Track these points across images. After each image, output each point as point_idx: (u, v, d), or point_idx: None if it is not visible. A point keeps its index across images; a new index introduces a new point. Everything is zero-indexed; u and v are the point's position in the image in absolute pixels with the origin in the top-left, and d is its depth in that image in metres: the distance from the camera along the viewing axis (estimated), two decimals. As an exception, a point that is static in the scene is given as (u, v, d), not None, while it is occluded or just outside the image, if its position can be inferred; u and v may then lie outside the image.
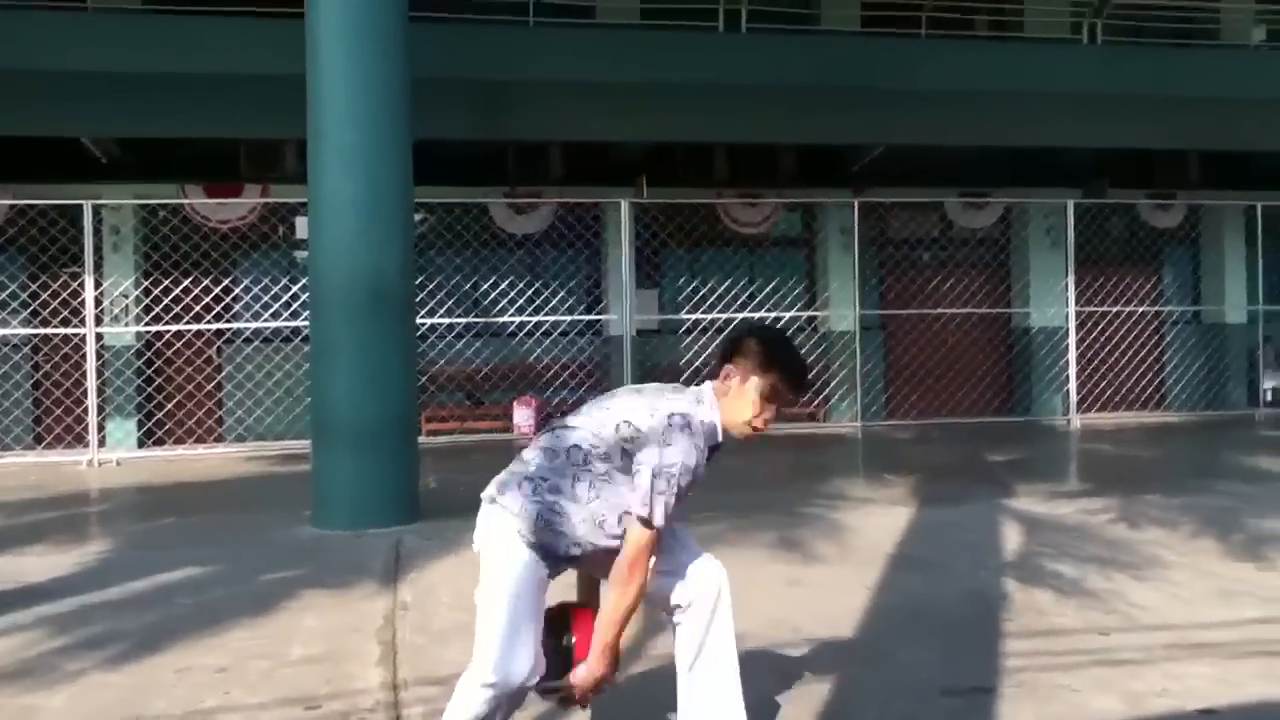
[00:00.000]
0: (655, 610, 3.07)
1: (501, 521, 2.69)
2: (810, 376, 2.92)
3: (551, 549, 2.69)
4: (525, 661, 2.61)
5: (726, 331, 11.69)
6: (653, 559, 2.72)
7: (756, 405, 2.78)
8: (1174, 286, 14.72)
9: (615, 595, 2.66)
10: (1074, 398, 12.46)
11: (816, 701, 3.52)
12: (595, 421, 2.74)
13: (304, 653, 4.11)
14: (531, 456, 2.76)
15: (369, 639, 4.29)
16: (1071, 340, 12.47)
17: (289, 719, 3.41)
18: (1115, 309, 13.14)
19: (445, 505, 7.15)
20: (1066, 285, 12.51)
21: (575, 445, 2.71)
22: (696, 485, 2.74)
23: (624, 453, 2.69)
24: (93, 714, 3.47)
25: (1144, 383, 13.52)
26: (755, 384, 2.77)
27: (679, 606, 2.83)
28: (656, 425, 2.67)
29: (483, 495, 2.76)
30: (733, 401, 2.79)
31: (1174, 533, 6.13)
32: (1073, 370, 12.42)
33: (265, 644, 4.22)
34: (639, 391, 2.84)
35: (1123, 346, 13.28)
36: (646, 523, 2.64)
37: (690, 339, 12.12)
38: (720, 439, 2.82)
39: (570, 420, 2.80)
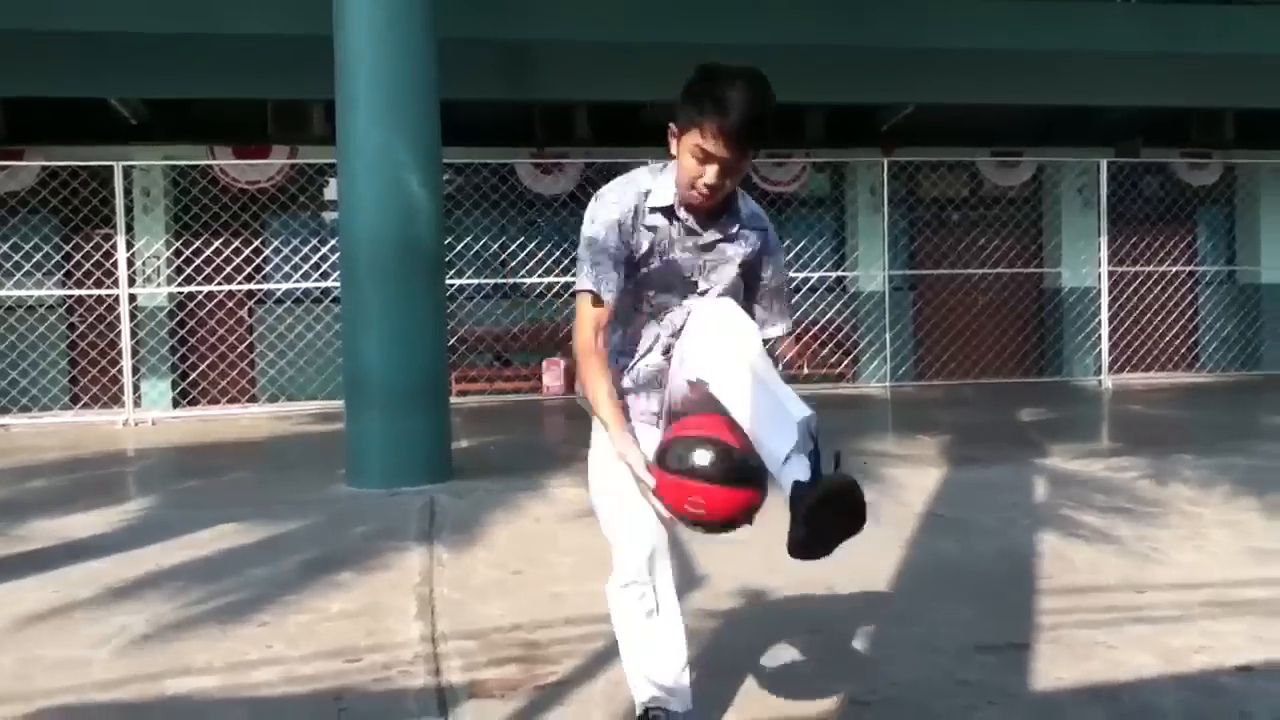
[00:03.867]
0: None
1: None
2: (742, 113, 2.32)
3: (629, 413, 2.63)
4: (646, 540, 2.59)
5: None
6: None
7: (688, 167, 2.43)
8: (1208, 246, 14.55)
9: (580, 377, 2.61)
10: (1106, 358, 12.37)
11: (851, 659, 3.54)
12: None
13: (343, 608, 4.17)
14: None
15: (407, 594, 4.34)
16: (1104, 300, 12.36)
17: (331, 671, 3.46)
18: (1148, 269, 13.00)
19: (477, 464, 7.21)
20: (1099, 245, 12.38)
21: None
22: (661, 265, 2.54)
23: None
24: (139, 666, 3.54)
25: (1177, 343, 13.41)
26: (683, 140, 2.43)
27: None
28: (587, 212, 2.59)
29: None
30: (678, 166, 2.48)
31: (1209, 492, 6.09)
32: (1105, 331, 12.32)
33: (305, 599, 4.28)
34: None
35: (1155, 307, 13.16)
36: (579, 292, 2.54)
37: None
38: (671, 204, 2.52)
39: None
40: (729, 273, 2.60)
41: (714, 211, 2.54)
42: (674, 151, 2.48)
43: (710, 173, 2.40)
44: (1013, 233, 13.63)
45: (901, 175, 12.75)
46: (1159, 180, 13.89)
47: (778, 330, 2.75)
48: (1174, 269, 13.22)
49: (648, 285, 2.58)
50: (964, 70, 11.26)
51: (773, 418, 2.41)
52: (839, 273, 13.07)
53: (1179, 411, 10.43)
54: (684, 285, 2.59)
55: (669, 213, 2.52)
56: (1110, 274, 12.47)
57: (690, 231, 2.55)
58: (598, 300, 2.51)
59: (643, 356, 2.63)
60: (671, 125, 2.47)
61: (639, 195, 2.53)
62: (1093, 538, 5.09)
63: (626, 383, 2.64)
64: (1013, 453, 7.51)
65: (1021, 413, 10.01)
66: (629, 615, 2.63)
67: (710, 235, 2.57)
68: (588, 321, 2.52)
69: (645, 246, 2.53)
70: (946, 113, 12.31)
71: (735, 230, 2.59)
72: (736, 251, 2.60)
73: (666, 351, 2.61)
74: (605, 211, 2.52)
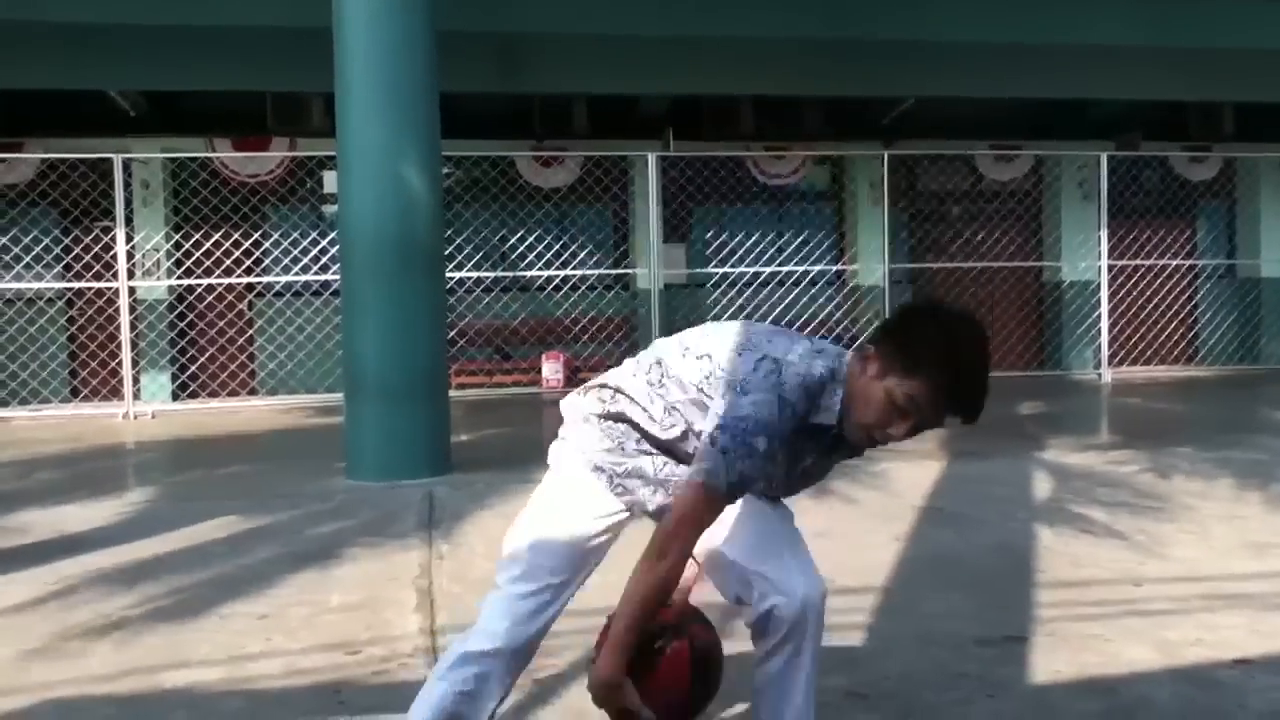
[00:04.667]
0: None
1: None
2: (985, 399, 2.07)
3: None
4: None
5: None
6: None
7: (882, 412, 2.04)
8: (1208, 240, 14.54)
9: (640, 571, 2.09)
10: (1105, 352, 12.37)
11: (847, 652, 3.55)
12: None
13: (342, 600, 4.17)
14: None
15: (406, 587, 4.34)
16: (1104, 294, 12.36)
17: (331, 663, 3.47)
18: (1148, 263, 13.00)
19: (476, 458, 7.21)
20: (1099, 239, 12.37)
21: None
22: (783, 473, 2.23)
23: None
24: (138, 659, 3.54)
25: (1177, 337, 13.40)
26: (892, 384, 2.03)
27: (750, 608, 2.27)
28: (739, 366, 2.10)
29: None
30: (860, 392, 2.07)
31: (1207, 485, 6.10)
32: (1104, 324, 12.32)
33: (304, 592, 4.29)
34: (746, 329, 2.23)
35: (1155, 300, 13.15)
36: (704, 486, 2.05)
37: (719, 293, 12.10)
38: (834, 426, 2.13)
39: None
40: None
41: None
42: (860, 373, 2.08)
43: (905, 432, 2.06)
44: (1012, 226, 13.62)
45: (901, 169, 12.74)
46: (1158, 174, 13.88)
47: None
48: (1174, 263, 13.21)
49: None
50: (964, 64, 11.24)
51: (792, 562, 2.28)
52: (838, 267, 13.06)
53: (1178, 405, 10.43)
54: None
55: (824, 432, 2.15)
56: (1110, 268, 12.46)
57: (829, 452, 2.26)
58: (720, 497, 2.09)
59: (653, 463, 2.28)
60: (870, 347, 2.08)
61: (815, 404, 2.10)
62: (1090, 531, 5.10)
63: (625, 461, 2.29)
64: (1011, 446, 7.52)
65: (1020, 406, 10.02)
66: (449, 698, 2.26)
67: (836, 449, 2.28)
68: (690, 519, 2.08)
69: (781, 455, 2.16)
70: (946, 106, 12.29)
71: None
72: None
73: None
74: (788, 397, 2.04)
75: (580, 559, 2.27)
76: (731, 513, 2.23)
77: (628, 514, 2.30)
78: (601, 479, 2.27)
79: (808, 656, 2.23)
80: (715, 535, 2.22)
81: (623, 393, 2.28)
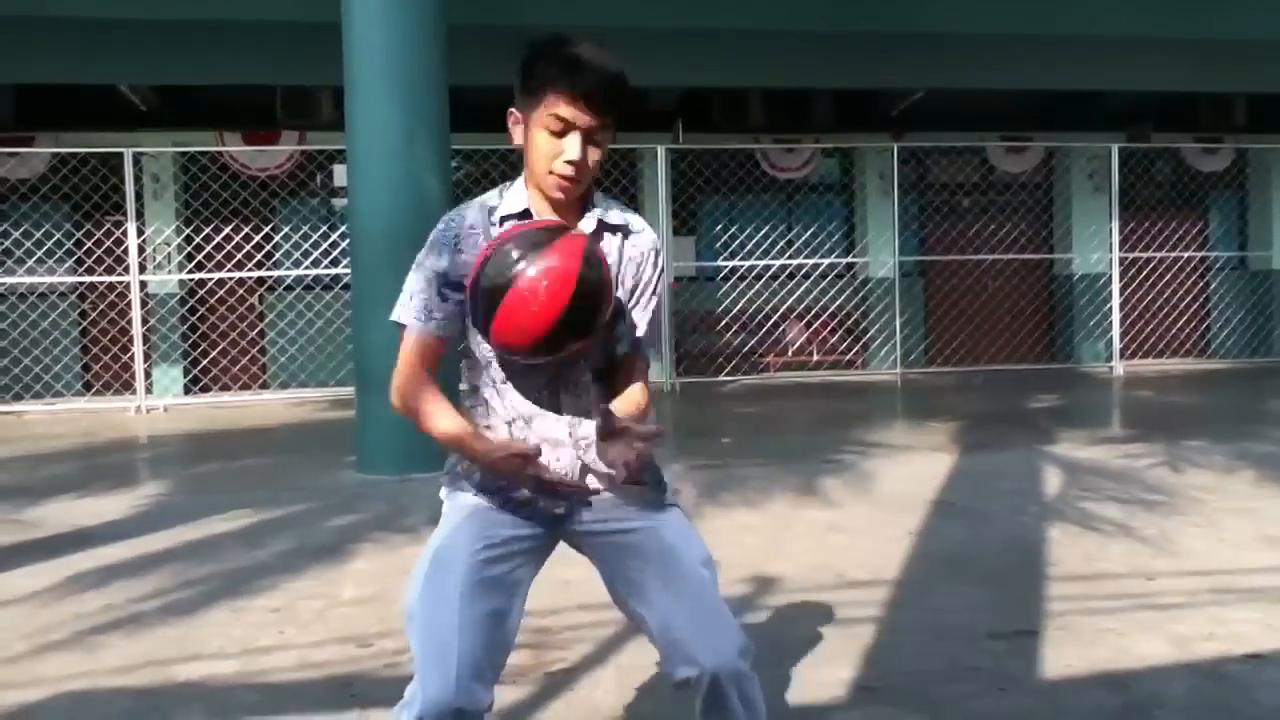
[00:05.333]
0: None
1: None
2: (599, 68, 1.97)
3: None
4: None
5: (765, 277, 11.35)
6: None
7: (542, 138, 2.00)
8: (1220, 232, 14.48)
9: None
10: (1117, 344, 12.34)
11: (859, 645, 3.55)
12: None
13: (355, 594, 4.19)
14: None
15: (417, 581, 4.35)
16: (1115, 286, 12.33)
17: (343, 657, 3.48)
18: (1159, 255, 12.95)
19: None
20: (1110, 230, 12.33)
21: None
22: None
23: None
24: (152, 652, 3.56)
25: (1188, 330, 13.36)
26: (535, 114, 2.00)
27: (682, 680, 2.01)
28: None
29: None
30: (527, 154, 2.04)
31: (1219, 478, 6.08)
32: (1116, 317, 12.29)
33: (317, 585, 4.31)
34: None
35: (1167, 293, 13.11)
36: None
37: (728, 286, 12.09)
38: (525, 207, 2.06)
39: None
40: None
41: (577, 209, 2.09)
42: (519, 140, 2.06)
43: (572, 145, 1.98)
44: (1023, 218, 13.59)
45: (911, 160, 12.72)
46: (1170, 165, 13.82)
47: (624, 348, 2.13)
48: (1185, 255, 13.16)
49: None
50: (974, 55, 11.21)
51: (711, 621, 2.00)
52: (849, 259, 13.04)
53: (1190, 398, 10.40)
54: None
55: (524, 218, 2.06)
56: (1121, 260, 12.42)
57: None
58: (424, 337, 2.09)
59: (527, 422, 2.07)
60: (513, 111, 2.07)
61: (483, 210, 2.08)
62: (1102, 525, 5.09)
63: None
64: (1022, 439, 7.51)
65: (1031, 399, 10.00)
66: None
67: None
68: (402, 356, 2.10)
69: None
70: (956, 98, 12.26)
71: (594, 229, 2.09)
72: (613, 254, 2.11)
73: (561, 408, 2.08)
74: (447, 233, 2.07)
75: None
76: (650, 578, 2.04)
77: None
78: None
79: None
80: (641, 602, 2.06)
81: None
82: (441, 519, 2.12)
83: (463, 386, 2.20)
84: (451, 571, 1.98)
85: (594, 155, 2.02)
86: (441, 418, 2.07)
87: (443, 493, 2.16)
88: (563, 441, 2.05)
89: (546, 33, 2.05)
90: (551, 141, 1.99)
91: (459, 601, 1.95)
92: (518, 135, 2.07)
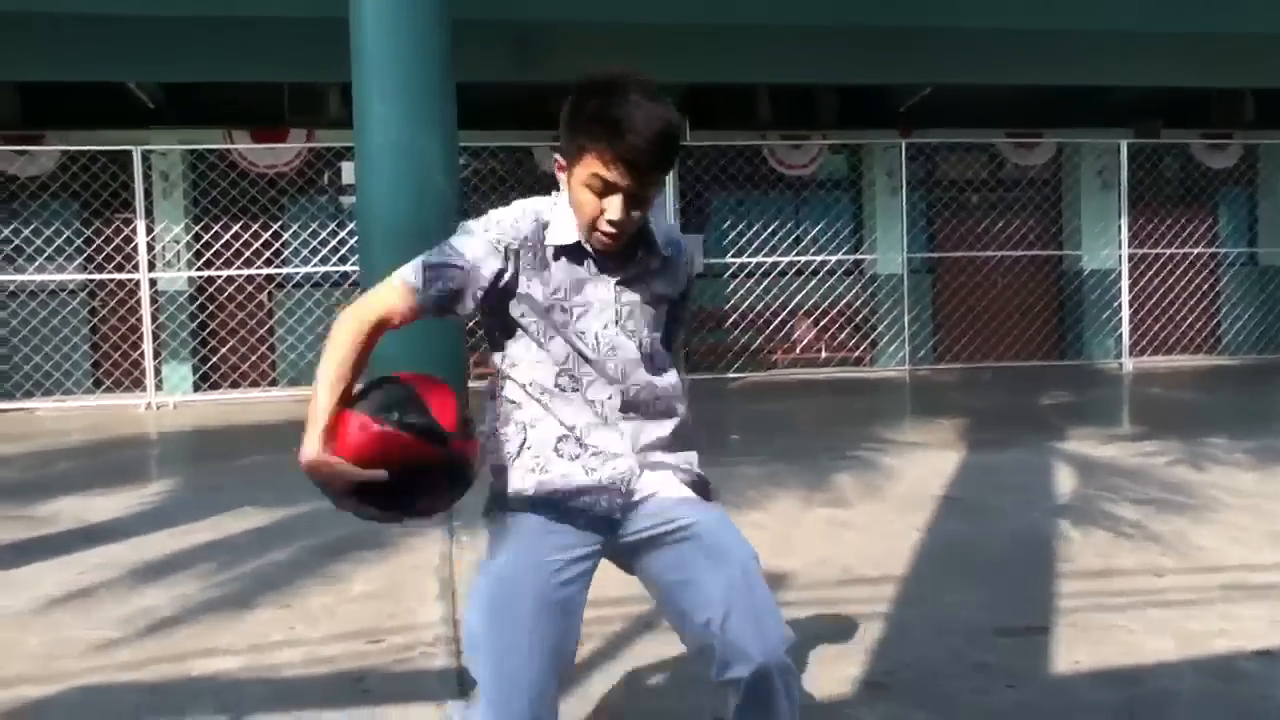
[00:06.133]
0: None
1: None
2: (649, 130, 1.88)
3: None
4: None
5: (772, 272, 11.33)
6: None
7: (586, 196, 1.93)
8: (1229, 228, 14.43)
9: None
10: (1126, 341, 12.31)
11: (867, 641, 3.55)
12: None
13: (365, 589, 4.20)
14: None
15: (427, 576, 4.37)
16: (1124, 283, 12.30)
17: (353, 652, 3.49)
18: (1169, 251, 12.92)
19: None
20: (1119, 227, 12.30)
21: None
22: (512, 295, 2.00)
23: None
24: (164, 647, 3.58)
25: (1198, 326, 13.33)
26: (579, 168, 1.93)
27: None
28: None
29: None
30: (573, 198, 1.98)
31: (1230, 475, 6.07)
32: (1125, 313, 12.26)
33: (326, 581, 4.32)
34: None
35: (1177, 289, 13.07)
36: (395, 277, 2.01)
37: (736, 283, 12.09)
38: (577, 241, 2.00)
39: None
40: (652, 316, 2.09)
41: (626, 248, 2.04)
42: (563, 184, 2.01)
43: (614, 206, 1.92)
44: (1032, 215, 13.56)
45: (919, 157, 12.69)
46: (1179, 161, 13.78)
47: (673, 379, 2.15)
48: (1195, 251, 13.12)
49: (557, 349, 2.02)
50: (982, 50, 11.18)
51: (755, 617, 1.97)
52: (857, 256, 13.02)
53: (1199, 395, 10.37)
54: (598, 343, 2.03)
55: (577, 252, 2.01)
56: (1130, 256, 12.39)
57: (604, 271, 2.04)
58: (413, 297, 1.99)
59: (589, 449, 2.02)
60: (558, 158, 2.00)
61: (537, 225, 2.00)
62: (1111, 521, 5.08)
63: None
64: (1031, 436, 7.50)
65: (1040, 396, 9.98)
66: None
67: (626, 274, 2.06)
68: (369, 300, 2.01)
69: (543, 294, 2.00)
70: (964, 93, 12.23)
71: (656, 265, 2.09)
72: (664, 288, 2.11)
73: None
74: (496, 223, 2.00)
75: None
76: (689, 566, 2.03)
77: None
78: None
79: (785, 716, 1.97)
80: (694, 601, 2.04)
81: None
82: (496, 542, 2.07)
83: (478, 386, 2.19)
84: (519, 596, 1.97)
85: (646, 209, 1.98)
86: (332, 382, 1.97)
87: (489, 518, 2.11)
88: (621, 453, 2.03)
89: (595, 74, 1.95)
90: (594, 201, 1.93)
91: (530, 625, 1.94)
92: (562, 180, 2.00)
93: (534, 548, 2.00)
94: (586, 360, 2.01)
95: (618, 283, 2.05)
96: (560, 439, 2.02)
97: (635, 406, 2.06)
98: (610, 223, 1.93)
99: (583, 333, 2.01)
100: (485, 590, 2.01)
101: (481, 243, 1.98)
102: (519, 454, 2.04)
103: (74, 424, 9.44)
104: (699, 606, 1.99)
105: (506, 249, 1.98)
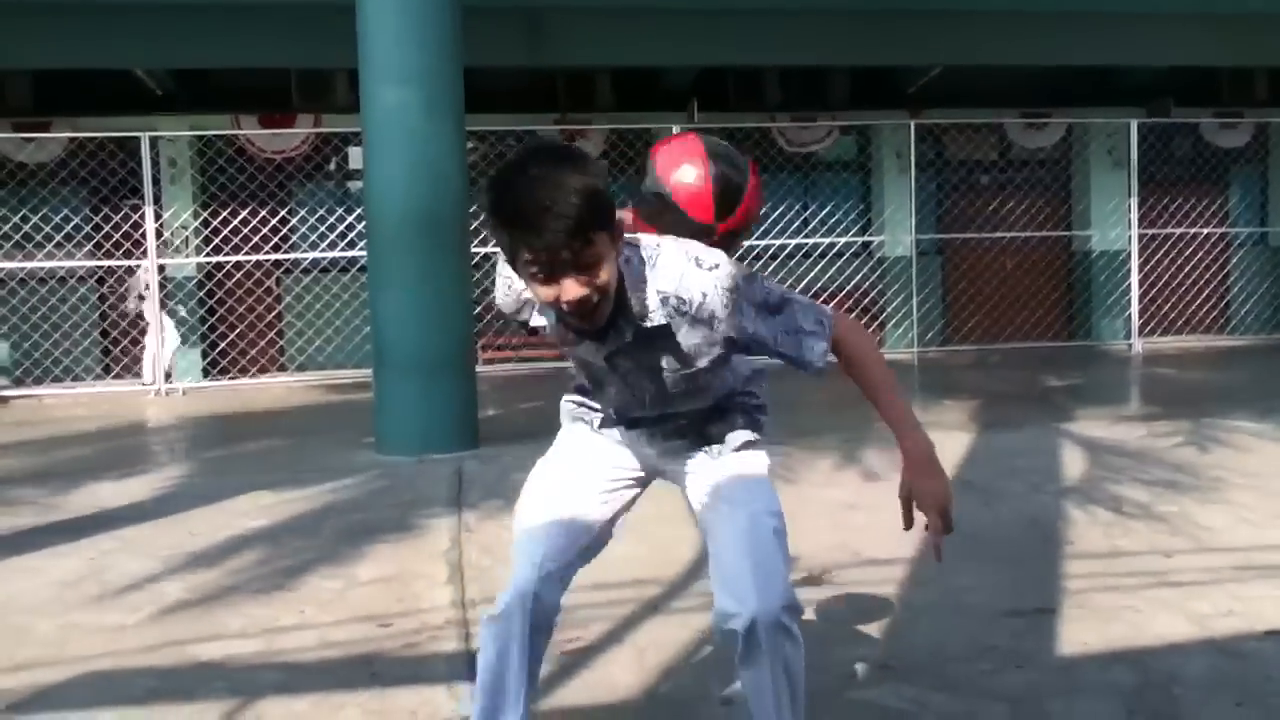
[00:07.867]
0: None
1: None
2: (540, 210, 1.73)
3: None
4: None
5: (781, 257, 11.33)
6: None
7: (535, 287, 1.86)
8: (1240, 208, 14.35)
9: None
10: (1136, 321, 12.27)
11: (878, 623, 3.56)
12: None
13: (374, 574, 4.22)
14: None
15: (436, 560, 4.38)
16: (1134, 263, 12.25)
17: (363, 636, 3.51)
18: (1179, 231, 12.85)
19: (505, 432, 7.24)
20: (1129, 207, 12.24)
21: None
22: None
23: None
24: (175, 632, 3.60)
25: (1208, 306, 13.27)
26: (515, 263, 1.86)
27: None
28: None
29: None
30: (530, 290, 1.94)
31: (1239, 456, 6.04)
32: (1135, 294, 12.21)
33: (336, 566, 4.33)
34: None
35: (1187, 269, 13.01)
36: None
37: (744, 264, 12.06)
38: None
39: None
40: (661, 375, 2.10)
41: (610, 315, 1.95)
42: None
43: (565, 288, 1.81)
44: (1041, 195, 13.50)
45: (928, 138, 12.63)
46: (1190, 141, 13.69)
47: (815, 357, 2.31)
48: (1205, 231, 13.05)
49: (574, 362, 2.24)
50: (991, 30, 11.12)
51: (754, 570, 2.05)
52: (865, 237, 12.98)
53: (1209, 375, 10.33)
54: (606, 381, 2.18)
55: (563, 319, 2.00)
56: (1140, 236, 12.33)
57: (591, 339, 2.03)
58: None
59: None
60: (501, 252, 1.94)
61: (516, 295, 2.12)
62: (1121, 503, 5.07)
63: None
64: (1040, 417, 7.48)
65: (1050, 377, 9.96)
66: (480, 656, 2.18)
67: (607, 348, 2.03)
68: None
69: (550, 328, 2.13)
70: (974, 74, 12.16)
71: (630, 336, 2.00)
72: (667, 352, 2.06)
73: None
74: (499, 291, 2.16)
75: (579, 507, 2.25)
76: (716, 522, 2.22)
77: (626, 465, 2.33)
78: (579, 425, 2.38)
79: (768, 676, 2.03)
80: (710, 531, 2.24)
81: None
82: (564, 432, 2.37)
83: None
84: (575, 465, 2.26)
85: (601, 274, 1.83)
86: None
87: (568, 418, 2.39)
88: (649, 450, 2.31)
89: (495, 172, 1.83)
90: (543, 289, 1.83)
91: (573, 488, 2.23)
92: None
93: (600, 448, 2.30)
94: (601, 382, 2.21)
95: (606, 357, 2.06)
96: (601, 413, 2.32)
97: (663, 403, 2.21)
98: (568, 304, 1.83)
99: (589, 364, 2.16)
100: (548, 458, 2.31)
101: (499, 297, 2.18)
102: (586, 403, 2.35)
103: (84, 411, 9.48)
104: (714, 542, 2.18)
105: (516, 297, 2.13)
